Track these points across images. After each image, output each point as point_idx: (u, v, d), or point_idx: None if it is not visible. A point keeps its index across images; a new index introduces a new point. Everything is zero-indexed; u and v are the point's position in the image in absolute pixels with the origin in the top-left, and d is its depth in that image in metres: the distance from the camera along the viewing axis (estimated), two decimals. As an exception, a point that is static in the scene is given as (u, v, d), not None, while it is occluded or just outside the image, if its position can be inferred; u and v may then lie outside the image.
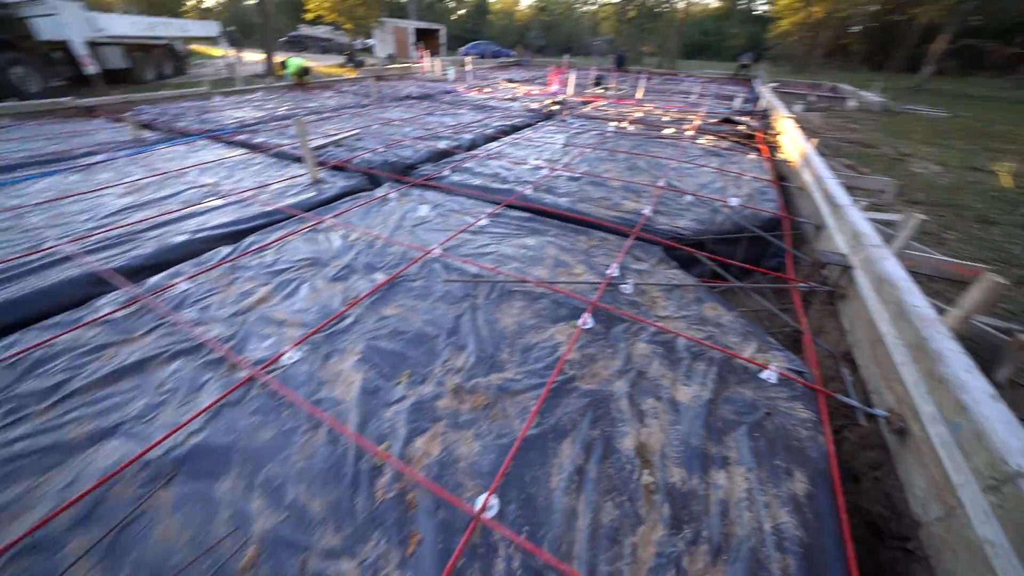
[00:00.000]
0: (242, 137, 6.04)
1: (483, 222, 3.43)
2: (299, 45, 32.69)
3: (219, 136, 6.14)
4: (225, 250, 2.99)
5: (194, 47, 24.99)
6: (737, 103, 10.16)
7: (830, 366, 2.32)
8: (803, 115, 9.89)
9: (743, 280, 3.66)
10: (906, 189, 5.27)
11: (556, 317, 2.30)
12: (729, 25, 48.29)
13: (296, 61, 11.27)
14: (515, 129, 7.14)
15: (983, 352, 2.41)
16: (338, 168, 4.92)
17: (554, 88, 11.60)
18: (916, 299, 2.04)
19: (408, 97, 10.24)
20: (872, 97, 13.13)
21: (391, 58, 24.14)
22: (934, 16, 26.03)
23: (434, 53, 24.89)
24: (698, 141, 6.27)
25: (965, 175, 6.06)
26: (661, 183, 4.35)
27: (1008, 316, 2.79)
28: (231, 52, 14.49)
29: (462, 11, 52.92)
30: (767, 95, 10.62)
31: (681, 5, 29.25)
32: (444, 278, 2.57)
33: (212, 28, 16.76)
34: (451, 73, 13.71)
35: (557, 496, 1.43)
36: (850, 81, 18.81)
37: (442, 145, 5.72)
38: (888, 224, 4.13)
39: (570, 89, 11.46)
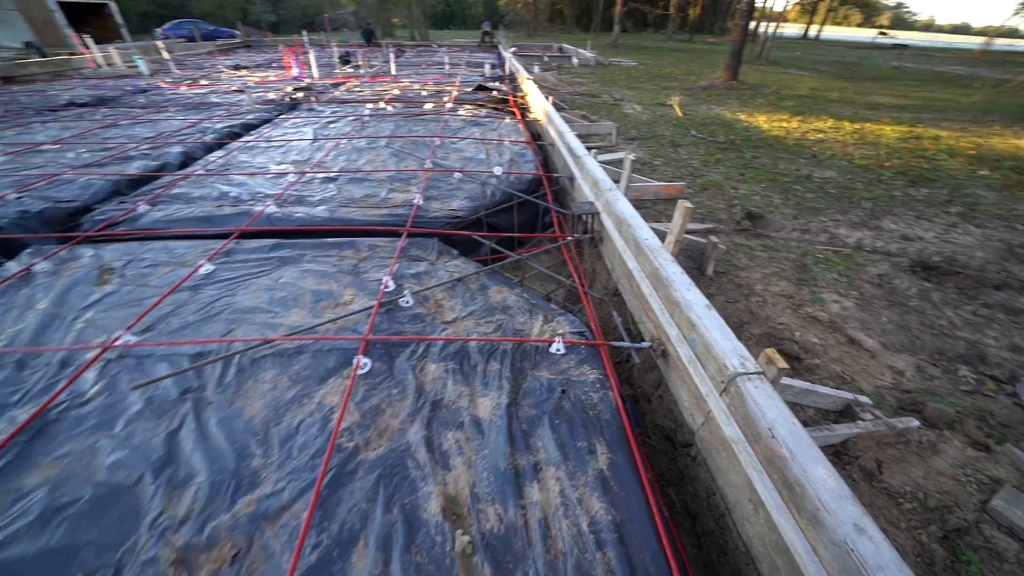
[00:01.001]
0: None
1: (205, 269, 2.54)
2: None
3: None
4: None
5: None
6: (487, 70, 10.69)
7: (606, 312, 2.54)
8: (541, 75, 11.13)
9: (527, 246, 3.84)
10: (623, 129, 6.45)
11: (323, 373, 1.81)
12: (466, -6, 50.74)
13: None
14: (248, 128, 5.77)
15: (695, 257, 3.04)
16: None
17: (295, 72, 9.97)
18: (645, 233, 2.33)
19: (71, 105, 7.21)
20: (587, 54, 15.79)
21: (34, 48, 16.73)
22: None
23: (111, 39, 18.41)
24: (459, 113, 6.26)
25: (656, 110, 7.84)
26: (428, 165, 4.10)
27: (702, 218, 3.65)
28: None
29: (145, -19, 40.42)
30: (511, 60, 11.50)
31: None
32: (133, 383, 1.73)
33: None
34: (142, 65, 10.28)
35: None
36: (569, 41, 22.26)
37: (133, 169, 4.13)
38: (618, 163, 4.93)
39: (315, 71, 10.04)
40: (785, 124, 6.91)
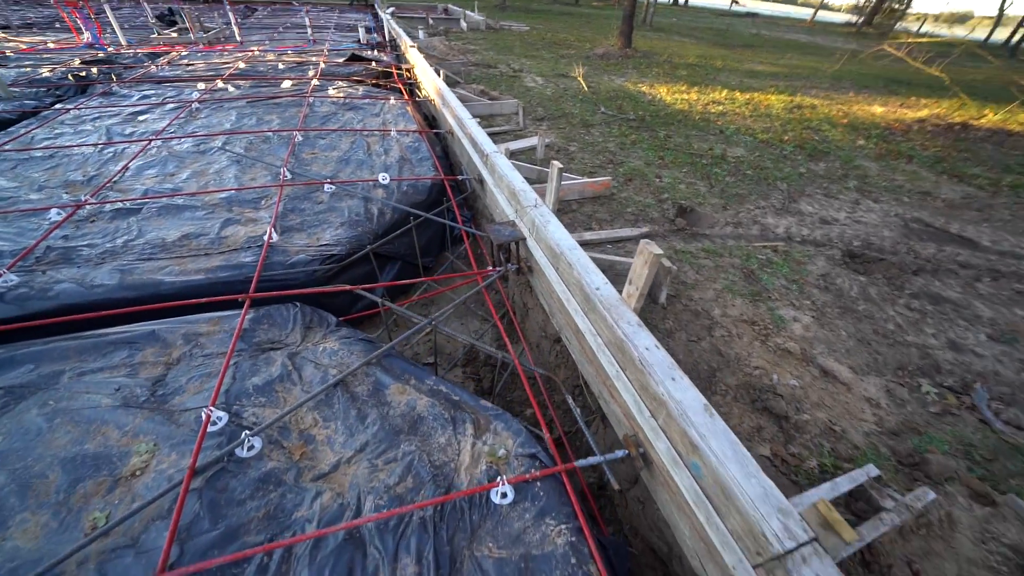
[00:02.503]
0: None
1: None
2: None
3: None
4: None
5: None
6: (362, 35, 9.07)
7: (548, 361, 1.92)
8: (428, 42, 9.82)
9: (432, 275, 3.05)
10: (529, 107, 5.76)
11: None
12: (327, -58, 44.09)
13: None
14: (-2, 127, 3.89)
15: None
16: None
17: (87, 38, 7.33)
18: (594, 278, 1.72)
19: None
20: (477, 17, 14.51)
21: None
22: None
23: None
24: (328, 92, 4.97)
25: (559, 83, 7.26)
26: (285, 175, 3.00)
27: (634, 219, 3.20)
28: None
29: None
30: (390, 22, 9.92)
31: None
32: None
33: None
34: None
35: None
36: (455, 1, 20.50)
37: None
38: (531, 150, 4.26)
39: (120, 36, 7.51)
40: (686, 96, 6.83)
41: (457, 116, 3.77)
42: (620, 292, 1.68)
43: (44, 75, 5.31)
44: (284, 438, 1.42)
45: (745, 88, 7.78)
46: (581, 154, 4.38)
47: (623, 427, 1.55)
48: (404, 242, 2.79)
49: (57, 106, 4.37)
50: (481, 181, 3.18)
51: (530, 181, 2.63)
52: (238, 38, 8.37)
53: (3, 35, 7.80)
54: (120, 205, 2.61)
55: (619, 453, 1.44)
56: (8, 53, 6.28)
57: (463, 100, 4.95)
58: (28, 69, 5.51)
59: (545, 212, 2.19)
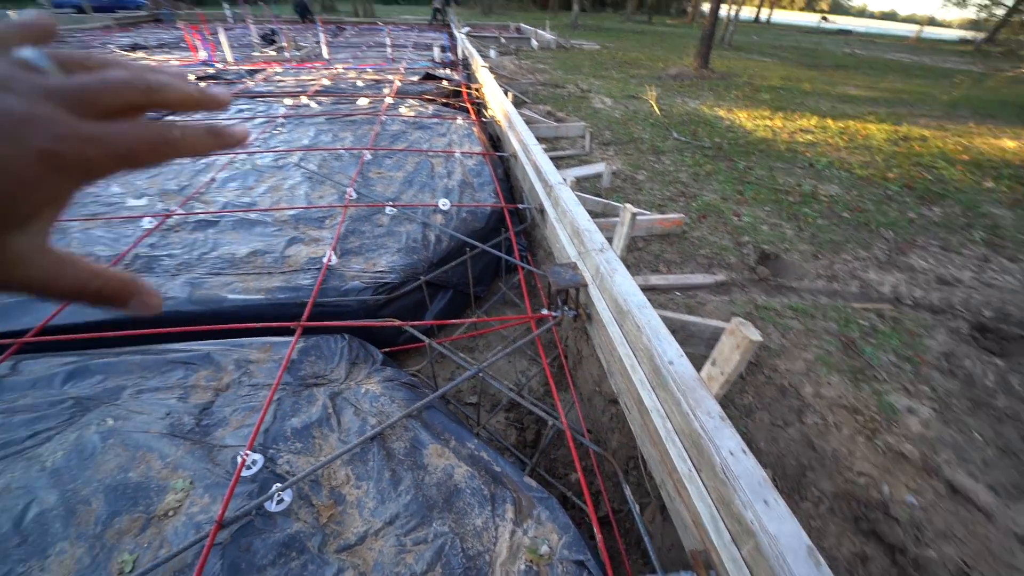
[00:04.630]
0: None
1: (-79, 436, 1.45)
2: None
3: None
4: None
5: None
6: (437, 53, 9.43)
7: (600, 417, 1.70)
8: (499, 61, 10.01)
9: (483, 305, 2.93)
10: (596, 129, 5.58)
11: None
12: (414, -34, 47.39)
13: None
14: (119, 135, 4.40)
15: (713, 341, 2.25)
16: None
17: (203, 56, 8.28)
18: (667, 346, 1.49)
19: None
20: (547, 36, 14.67)
21: None
22: None
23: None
24: (400, 110, 5.14)
25: (628, 105, 7.01)
26: (351, 194, 3.05)
27: (708, 263, 2.88)
28: None
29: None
30: (464, 41, 10.26)
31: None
32: None
33: None
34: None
35: None
36: (526, 20, 20.97)
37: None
38: (596, 178, 4.07)
39: (228, 54, 8.40)
40: (769, 122, 6.29)
41: (522, 141, 3.68)
42: (698, 366, 1.43)
43: (162, 89, 6.00)
44: (315, 494, 1.34)
45: (838, 115, 7.04)
46: (650, 184, 4.11)
47: (691, 538, 1.29)
48: (458, 271, 2.71)
49: (168, 117, 4.88)
50: (542, 211, 3.04)
51: (593, 214, 2.44)
52: (325, 56, 9.04)
53: (141, 54, 9.03)
54: (202, 217, 2.78)
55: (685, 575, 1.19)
56: (138, 69, 7.22)
57: (529, 122, 4.89)
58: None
59: (612, 259, 1.99)
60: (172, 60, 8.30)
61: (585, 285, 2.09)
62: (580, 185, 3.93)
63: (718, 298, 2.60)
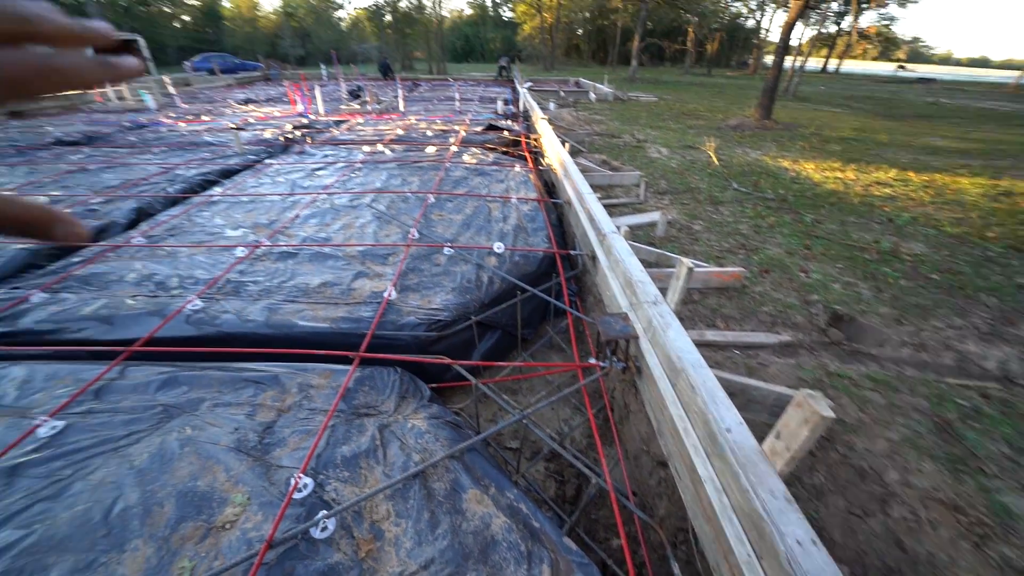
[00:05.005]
0: None
1: (47, 429, 1.69)
2: None
3: None
4: None
5: None
6: (500, 106, 10.15)
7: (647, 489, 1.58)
8: (557, 113, 10.54)
9: (529, 348, 2.93)
10: (651, 179, 5.62)
11: None
12: (486, 30, 52.47)
13: None
14: (226, 175, 5.13)
15: (778, 410, 2.08)
16: None
17: (300, 108, 9.57)
18: (725, 411, 1.40)
19: (58, 143, 6.79)
20: (605, 89, 15.32)
21: (64, 82, 17.21)
22: (625, 21, 34.20)
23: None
24: (463, 158, 5.53)
25: (685, 155, 7.02)
26: (413, 234, 3.28)
27: (771, 322, 2.70)
28: None
29: (186, 18, 42.86)
30: (525, 95, 10.99)
31: (431, 9, 29.67)
32: None
33: None
34: (148, 99, 10.07)
35: None
36: (585, 75, 22.09)
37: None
38: (650, 226, 4.05)
39: (320, 107, 9.63)
40: (840, 175, 5.98)
41: (577, 189, 3.79)
42: (759, 436, 1.33)
43: (266, 136, 6.97)
44: (356, 525, 1.36)
45: (922, 168, 6.53)
46: (707, 235, 4.01)
47: (751, 635, 1.14)
48: (507, 312, 2.77)
49: (267, 160, 5.64)
50: (594, 258, 3.06)
51: (647, 264, 2.42)
52: (401, 108, 10.07)
53: (251, 107, 10.62)
54: (284, 249, 3.12)
55: None
56: (251, 120, 8.48)
57: (584, 170, 5.04)
58: (259, 131, 7.32)
59: (665, 312, 1.95)
60: (276, 112, 9.67)
61: (636, 337, 2.04)
62: (633, 234, 3.92)
63: (782, 360, 2.41)
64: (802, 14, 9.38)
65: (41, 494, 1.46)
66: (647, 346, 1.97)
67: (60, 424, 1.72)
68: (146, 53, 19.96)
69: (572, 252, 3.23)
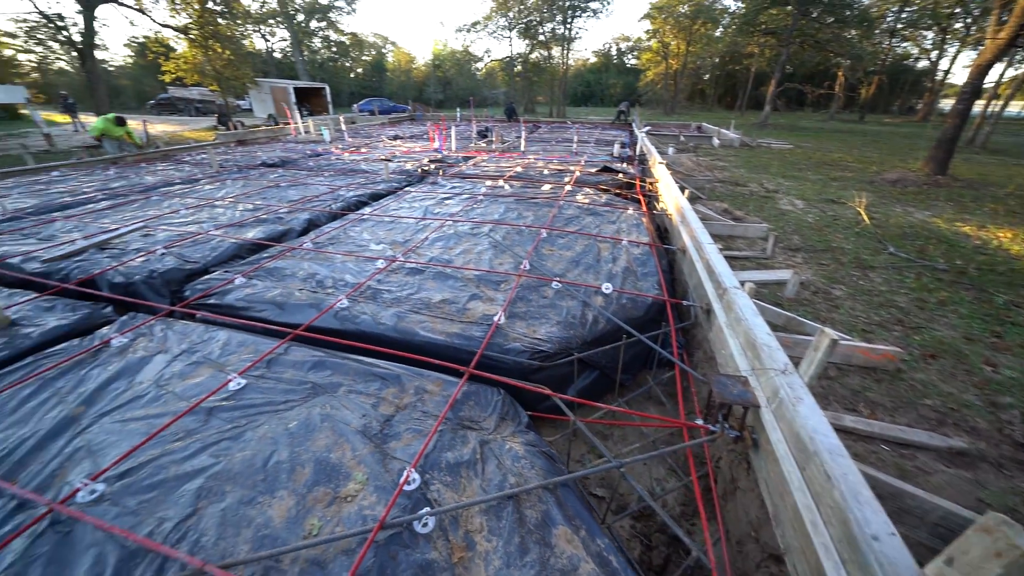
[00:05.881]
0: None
1: (236, 384, 2.16)
2: (171, 107, 29.65)
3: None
4: None
5: (24, 112, 21.09)
6: (616, 149, 10.31)
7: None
8: (676, 157, 10.30)
9: (625, 395, 2.82)
10: (782, 233, 5.10)
11: None
12: (608, 76, 54.33)
13: (101, 121, 9.13)
14: (375, 198, 6.09)
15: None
16: (79, 292, 3.36)
17: (436, 145, 10.97)
18: (871, 517, 1.19)
19: (263, 165, 8.81)
20: (731, 134, 14.54)
21: (272, 119, 22.46)
22: (760, 66, 32.39)
23: (321, 112, 23.71)
24: (576, 197, 5.73)
25: (826, 210, 6.24)
26: (525, 265, 3.48)
27: (936, 422, 2.19)
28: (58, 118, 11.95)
29: (359, 69, 52.98)
30: (643, 139, 11.01)
31: (560, 59, 31.86)
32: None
33: (15, 94, 13.88)
34: (325, 133, 12.54)
35: None
36: (709, 119, 21.25)
37: (258, 234, 4.40)
38: (777, 285, 3.67)
39: (453, 144, 10.90)
40: (1052, 249, 4.71)
41: (696, 237, 3.64)
42: (916, 555, 1.09)
43: (407, 167, 8.12)
44: (452, 530, 1.46)
45: None
46: (850, 303, 3.48)
47: None
48: (608, 354, 2.73)
49: (407, 188, 6.55)
50: (708, 312, 2.88)
51: (772, 326, 2.20)
52: (522, 148, 10.87)
53: (398, 142, 12.50)
54: (414, 265, 3.56)
55: None
56: (397, 153, 9.99)
57: (703, 218, 4.81)
58: (402, 163, 8.57)
59: (797, 385, 1.74)
60: (416, 147, 11.23)
61: (757, 406, 1.86)
62: (758, 291, 3.59)
63: (952, 470, 1.95)
64: (1003, 52, 7.85)
65: (226, 434, 1.86)
66: (770, 419, 1.78)
67: (243, 382, 2.18)
68: (329, 98, 25.04)
69: (684, 302, 3.09)
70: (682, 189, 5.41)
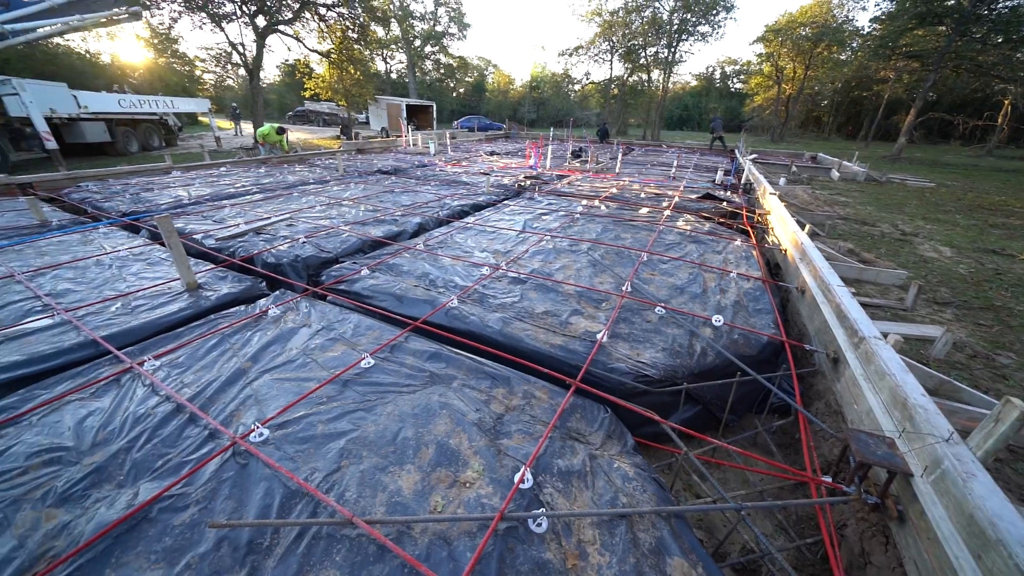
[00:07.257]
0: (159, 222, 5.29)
1: (367, 362, 2.45)
2: (304, 118, 34.64)
3: (136, 220, 5.39)
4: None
5: (203, 119, 26.07)
6: (719, 176, 9.78)
7: None
8: (788, 189, 9.47)
9: (728, 437, 2.62)
10: (926, 283, 4.41)
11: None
12: (708, 100, 51.88)
13: (267, 127, 11.00)
14: (476, 209, 6.48)
15: None
16: (241, 267, 4.06)
17: (531, 162, 11.36)
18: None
19: (379, 172, 9.86)
20: (854, 167, 12.98)
21: (384, 131, 25.09)
22: (896, 92, 28.49)
23: (426, 127, 25.91)
24: (676, 223, 5.55)
25: (983, 260, 5.27)
26: (627, 288, 3.46)
27: None
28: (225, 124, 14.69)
29: (462, 89, 57.07)
30: (749, 167, 10.30)
31: (659, 82, 31.19)
32: (210, 522, 1.51)
33: (202, 105, 17.29)
34: (432, 147, 13.68)
35: None
36: (825, 149, 19.18)
37: (378, 232, 4.93)
38: (922, 342, 3.19)
39: (547, 162, 11.20)
40: None
41: (821, 277, 3.32)
42: None
43: (505, 182, 8.53)
44: (565, 536, 1.50)
45: None
46: (1021, 375, 2.90)
47: None
48: (714, 389, 2.60)
49: (505, 201, 6.88)
50: (835, 360, 2.61)
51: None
52: (617, 170, 10.80)
53: (495, 158, 13.18)
54: (516, 274, 3.72)
55: None
56: (495, 168, 10.54)
57: (827, 258, 4.36)
58: (500, 177, 9.02)
59: (967, 458, 1.51)
60: (512, 163, 11.73)
61: (908, 474, 1.64)
62: (905, 363, 3.15)
63: None
64: None
65: (361, 405, 2.12)
66: (927, 491, 1.56)
67: (372, 362, 2.46)
68: (434, 115, 27.28)
69: (807, 347, 2.83)
70: (802, 225, 4.96)
